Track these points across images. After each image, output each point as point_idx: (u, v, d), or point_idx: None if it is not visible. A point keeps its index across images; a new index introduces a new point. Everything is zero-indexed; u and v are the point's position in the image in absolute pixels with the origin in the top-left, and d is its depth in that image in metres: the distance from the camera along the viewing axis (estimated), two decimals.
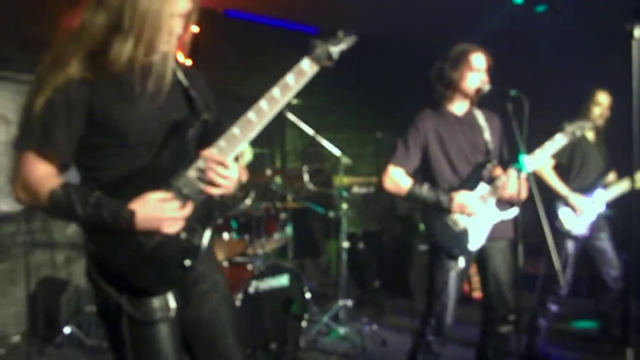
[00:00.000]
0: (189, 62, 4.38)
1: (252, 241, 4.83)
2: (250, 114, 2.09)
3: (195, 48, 2.48)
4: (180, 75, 2.19)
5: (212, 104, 2.30)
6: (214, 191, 2.05)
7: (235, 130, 2.08)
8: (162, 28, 2.00)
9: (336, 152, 5.29)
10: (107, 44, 1.97)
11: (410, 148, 3.47)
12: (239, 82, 6.36)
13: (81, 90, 1.95)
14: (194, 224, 2.04)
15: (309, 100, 6.33)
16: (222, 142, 2.07)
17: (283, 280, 4.78)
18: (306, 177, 5.38)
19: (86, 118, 1.97)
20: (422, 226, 6.60)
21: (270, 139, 6.47)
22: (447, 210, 3.36)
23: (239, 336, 2.28)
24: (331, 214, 5.40)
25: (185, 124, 2.08)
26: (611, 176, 4.59)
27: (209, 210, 2.09)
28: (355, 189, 6.23)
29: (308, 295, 4.86)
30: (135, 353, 2.00)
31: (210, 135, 2.13)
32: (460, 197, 3.34)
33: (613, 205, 4.48)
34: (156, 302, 2.02)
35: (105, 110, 1.97)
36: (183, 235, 2.02)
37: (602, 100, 4.51)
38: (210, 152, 2.05)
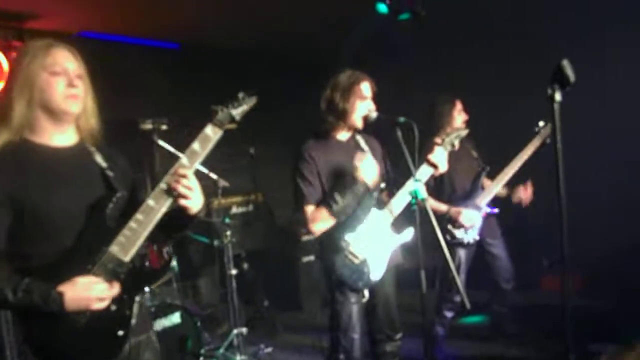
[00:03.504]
0: None
1: None
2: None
3: None
4: (99, 158, 2.29)
5: (129, 179, 2.41)
6: (185, 202, 2.17)
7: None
8: (47, 82, 2.12)
9: (212, 175, 5.14)
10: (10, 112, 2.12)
11: (311, 180, 3.41)
12: (102, 104, 6.04)
13: (1, 181, 2.04)
14: (122, 295, 2.14)
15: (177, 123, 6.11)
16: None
17: (175, 319, 4.63)
18: None
19: (9, 208, 2.05)
20: (306, 236, 6.60)
21: (140, 164, 6.20)
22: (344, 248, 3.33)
23: None
24: (216, 242, 5.28)
25: (102, 201, 2.18)
26: (486, 180, 4.77)
27: (136, 281, 2.19)
28: (234, 209, 6.14)
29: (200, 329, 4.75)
30: None
31: (128, 210, 2.22)
32: (353, 237, 3.34)
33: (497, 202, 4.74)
34: None
35: (24, 198, 2.05)
36: (113, 307, 2.11)
37: (459, 106, 4.74)
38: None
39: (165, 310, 4.58)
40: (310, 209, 3.40)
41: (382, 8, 5.52)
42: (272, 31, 6.73)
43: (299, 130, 6.25)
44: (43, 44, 2.18)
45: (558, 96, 2.11)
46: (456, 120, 4.77)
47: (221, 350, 5.02)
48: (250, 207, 6.49)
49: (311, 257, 6.59)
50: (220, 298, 6.44)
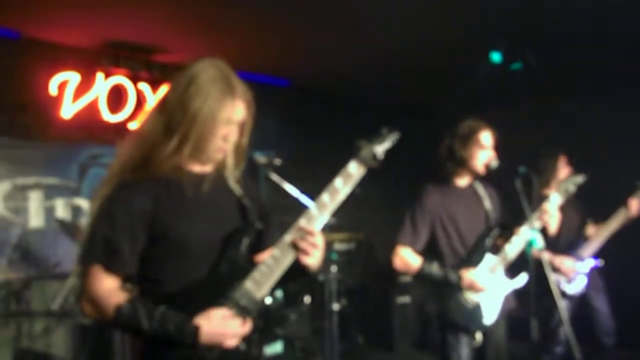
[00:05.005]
0: None
1: None
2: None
3: None
4: (233, 185, 2.21)
5: (263, 208, 2.30)
6: (307, 260, 2.05)
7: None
8: (211, 131, 2.03)
9: None
10: (158, 145, 2.02)
11: (418, 226, 3.52)
12: None
13: (142, 201, 1.98)
14: (251, 335, 2.03)
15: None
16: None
17: (277, 348, 4.74)
18: None
19: (148, 229, 1.99)
20: (403, 278, 6.63)
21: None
22: (457, 288, 3.40)
23: None
24: (320, 277, 5.39)
25: (239, 234, 2.09)
26: (590, 228, 4.75)
27: (266, 320, 2.10)
28: (336, 246, 6.23)
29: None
30: None
31: (259, 243, 2.19)
32: (470, 275, 3.39)
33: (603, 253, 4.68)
34: None
35: (166, 221, 1.99)
36: (242, 347, 2.01)
37: (563, 160, 4.74)
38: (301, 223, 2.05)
39: (268, 337, 4.70)
40: (403, 250, 3.51)
41: (496, 57, 5.62)
42: (381, 75, 6.89)
43: (404, 174, 6.42)
44: (229, 86, 2.07)
45: None
46: (560, 173, 4.78)
47: None
48: (352, 245, 6.60)
49: (406, 299, 6.63)
50: (313, 331, 6.51)
